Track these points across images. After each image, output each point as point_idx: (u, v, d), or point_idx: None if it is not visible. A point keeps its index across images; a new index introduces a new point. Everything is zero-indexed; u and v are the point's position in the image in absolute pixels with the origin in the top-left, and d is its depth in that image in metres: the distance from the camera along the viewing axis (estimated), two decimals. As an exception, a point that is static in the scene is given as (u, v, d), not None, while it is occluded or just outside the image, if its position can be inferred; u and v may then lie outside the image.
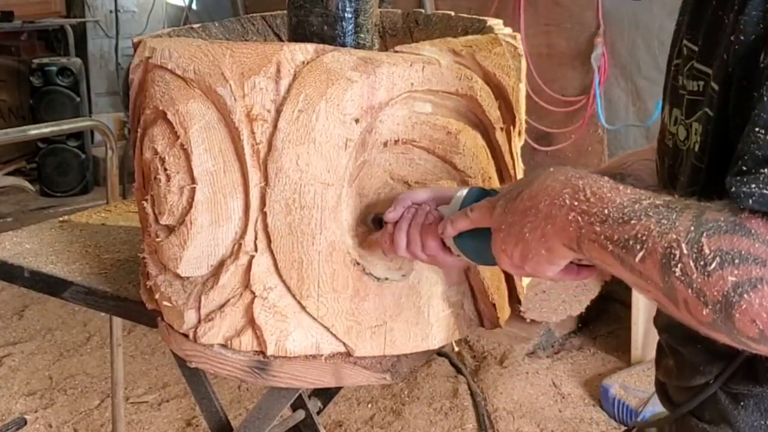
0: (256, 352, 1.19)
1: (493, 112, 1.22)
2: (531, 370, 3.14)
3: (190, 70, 1.14)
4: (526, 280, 1.37)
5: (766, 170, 0.69)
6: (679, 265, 0.70)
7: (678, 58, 0.98)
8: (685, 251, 0.69)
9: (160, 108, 1.17)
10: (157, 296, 1.25)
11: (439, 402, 2.98)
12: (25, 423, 2.61)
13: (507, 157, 1.27)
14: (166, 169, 1.17)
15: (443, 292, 1.22)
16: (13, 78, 5.74)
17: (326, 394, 1.83)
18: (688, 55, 0.94)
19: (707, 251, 0.68)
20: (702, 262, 0.69)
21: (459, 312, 1.25)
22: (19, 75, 5.69)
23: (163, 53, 1.16)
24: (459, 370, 3.16)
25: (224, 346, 1.20)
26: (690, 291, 0.70)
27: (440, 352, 3.14)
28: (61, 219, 1.85)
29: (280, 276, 1.15)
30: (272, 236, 1.14)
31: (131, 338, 3.41)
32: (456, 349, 3.02)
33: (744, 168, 0.71)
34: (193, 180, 1.15)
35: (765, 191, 0.68)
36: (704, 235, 0.69)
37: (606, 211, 0.77)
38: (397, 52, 1.17)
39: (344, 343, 1.18)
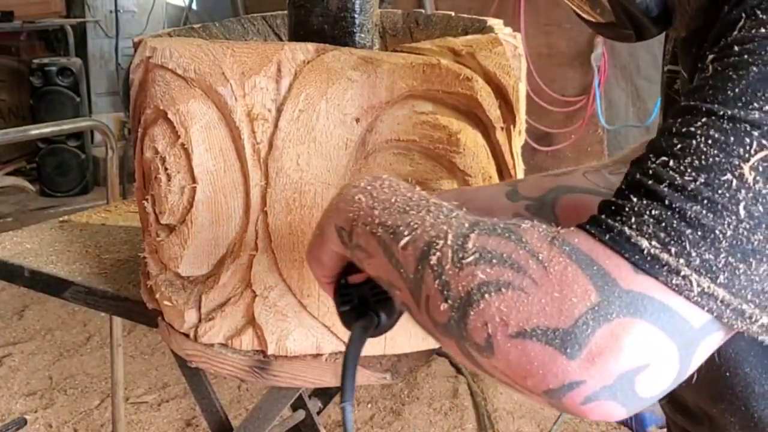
0: (257, 351, 1.19)
1: (494, 112, 1.22)
2: (531, 370, 3.14)
3: (190, 69, 1.14)
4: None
5: (636, 202, 0.59)
6: (437, 254, 0.64)
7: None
8: (449, 242, 0.64)
9: (161, 107, 1.17)
10: (157, 296, 1.25)
11: (439, 402, 2.98)
12: (25, 423, 2.62)
13: (507, 157, 1.27)
14: (166, 169, 1.17)
15: (443, 292, 1.22)
16: (13, 78, 5.74)
17: (326, 394, 1.83)
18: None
19: (470, 245, 0.63)
20: (460, 255, 0.62)
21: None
22: (19, 75, 5.69)
23: (164, 53, 1.16)
24: (459, 370, 3.16)
25: (225, 345, 1.20)
26: (437, 283, 0.63)
27: (440, 352, 3.13)
28: (61, 219, 1.85)
29: (280, 275, 1.15)
30: (273, 236, 1.14)
31: (131, 338, 3.41)
32: (456, 349, 3.02)
33: (617, 197, 0.61)
34: (193, 179, 1.15)
35: (626, 228, 0.58)
36: (475, 231, 0.64)
37: (393, 200, 0.72)
38: (397, 51, 1.17)
39: (345, 343, 1.18)
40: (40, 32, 5.85)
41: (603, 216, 0.60)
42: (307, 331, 1.17)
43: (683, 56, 0.81)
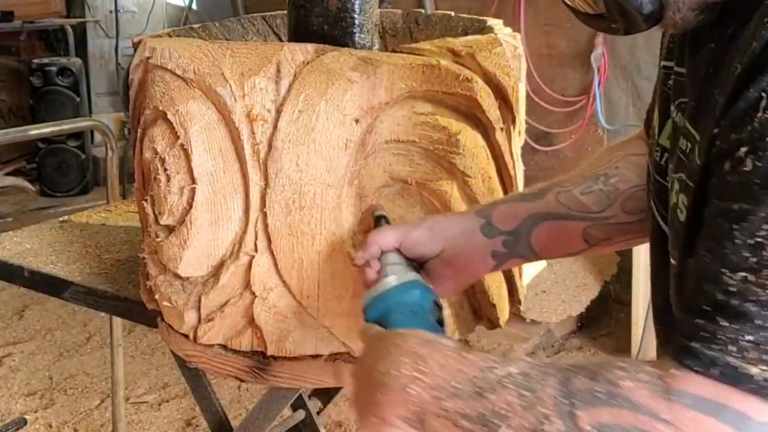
0: (257, 352, 1.19)
1: (493, 112, 1.22)
2: (531, 370, 3.13)
3: (190, 70, 1.14)
4: (526, 280, 1.37)
5: (728, 327, 0.61)
6: None
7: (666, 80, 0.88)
8: (561, 427, 0.64)
9: (160, 108, 1.17)
10: (157, 296, 1.25)
11: (439, 402, 2.98)
12: (25, 423, 2.61)
13: (507, 157, 1.27)
14: (166, 170, 1.17)
15: (443, 293, 1.22)
16: (13, 78, 5.74)
17: (326, 394, 1.83)
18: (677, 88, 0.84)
19: (585, 426, 0.63)
20: None
21: (459, 312, 1.25)
22: (19, 75, 5.69)
23: (163, 53, 1.16)
24: (459, 370, 3.16)
25: (224, 346, 1.20)
26: None
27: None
28: (61, 219, 1.85)
29: (280, 276, 1.15)
30: (272, 236, 1.14)
31: (131, 338, 3.40)
32: (456, 349, 3.01)
33: (703, 320, 0.63)
34: (193, 180, 1.15)
35: (730, 359, 0.61)
36: (578, 407, 0.64)
37: (456, 384, 0.71)
38: (397, 52, 1.17)
39: (344, 343, 1.18)
40: (40, 32, 5.85)
41: (698, 345, 0.62)
42: (306, 332, 1.17)
43: (690, 58, 0.79)
